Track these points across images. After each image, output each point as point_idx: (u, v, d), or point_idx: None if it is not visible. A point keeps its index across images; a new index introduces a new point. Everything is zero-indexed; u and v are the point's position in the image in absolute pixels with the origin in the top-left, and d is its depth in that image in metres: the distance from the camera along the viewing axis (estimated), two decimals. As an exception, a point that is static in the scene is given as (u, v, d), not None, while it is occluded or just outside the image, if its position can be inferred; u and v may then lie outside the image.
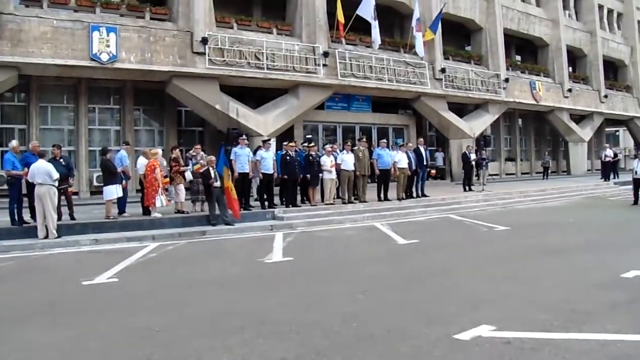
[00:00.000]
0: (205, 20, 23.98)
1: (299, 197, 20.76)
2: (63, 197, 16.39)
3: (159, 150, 19.42)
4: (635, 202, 23.24)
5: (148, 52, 22.67)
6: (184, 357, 6.11)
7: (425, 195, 23.65)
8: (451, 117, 34.14)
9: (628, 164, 44.91)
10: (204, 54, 23.79)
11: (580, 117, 45.99)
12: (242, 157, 18.87)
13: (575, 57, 46.93)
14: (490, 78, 36.19)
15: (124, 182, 17.31)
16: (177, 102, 26.06)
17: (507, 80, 36.97)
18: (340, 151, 21.57)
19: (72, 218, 16.57)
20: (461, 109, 36.63)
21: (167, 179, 18.08)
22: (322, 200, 20.74)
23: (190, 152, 19.65)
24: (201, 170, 17.54)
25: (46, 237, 14.49)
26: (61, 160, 16.68)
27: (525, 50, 44.56)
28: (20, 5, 21.17)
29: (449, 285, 9.45)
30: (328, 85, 28.10)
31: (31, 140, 21.17)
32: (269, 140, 21.26)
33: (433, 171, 27.63)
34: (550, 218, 19.93)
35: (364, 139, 22.94)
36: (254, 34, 26.11)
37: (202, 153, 19.38)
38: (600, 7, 48.79)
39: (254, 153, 19.70)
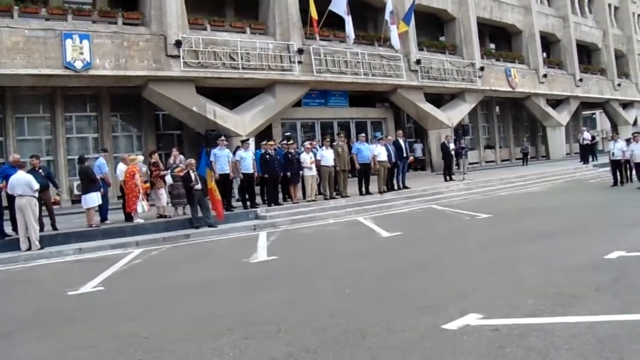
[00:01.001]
0: (178, 22, 23.87)
1: (280, 196, 20.78)
2: (44, 208, 16.31)
3: (140, 157, 19.41)
4: (615, 184, 23.47)
5: (122, 58, 22.52)
6: (173, 362, 6.11)
7: (407, 187, 23.73)
8: (428, 107, 34.21)
9: (605, 146, 45.18)
10: (179, 56, 23.67)
11: (556, 102, 46.26)
12: (221, 158, 18.88)
13: (548, 42, 47.19)
14: (466, 67, 36.28)
15: (102, 190, 17.19)
16: (154, 107, 25.97)
17: (482, 68, 37.07)
18: (320, 147, 21.60)
19: (54, 228, 16.46)
20: (438, 99, 36.71)
21: (147, 185, 18.05)
22: (304, 198, 20.81)
23: (170, 160, 19.57)
24: (181, 174, 17.52)
25: (29, 248, 14.40)
26: (40, 170, 16.54)
27: (499, 38, 44.73)
28: (-10, 16, 20.99)
29: (434, 276, 9.49)
30: (304, 82, 28.06)
31: (9, 152, 21.12)
32: (247, 140, 21.31)
33: (412, 158, 27.62)
34: (531, 203, 20.05)
35: (342, 134, 22.98)
36: (227, 34, 26.02)
37: (180, 156, 19.38)
38: (571, -8, 49.08)
39: (234, 153, 19.68)
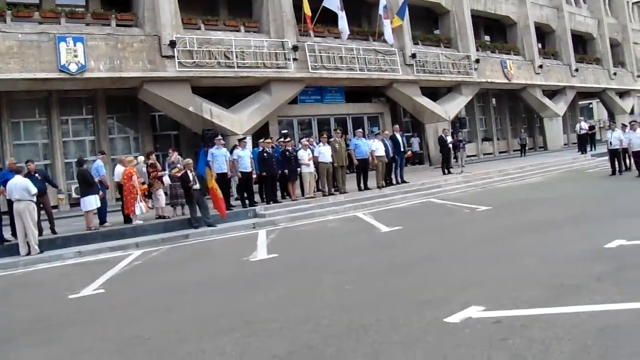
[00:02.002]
0: (172, 23, 23.81)
1: (279, 193, 20.78)
2: (43, 212, 16.32)
3: (141, 158, 19.43)
4: (613, 173, 23.45)
5: (117, 60, 22.46)
6: (176, 362, 6.10)
7: (405, 182, 23.74)
8: (425, 101, 34.15)
9: (603, 135, 45.15)
10: (173, 57, 23.61)
11: (553, 93, 46.16)
12: (219, 157, 18.88)
13: (543, 33, 47.06)
14: (461, 60, 36.22)
15: (100, 192, 17.17)
16: (150, 108, 25.91)
17: (477, 61, 36.98)
18: (317, 144, 21.59)
19: (53, 232, 16.48)
20: (434, 92, 36.62)
21: (145, 186, 18.04)
22: (303, 195, 20.79)
23: (168, 158, 19.63)
24: (179, 174, 17.50)
25: (28, 253, 14.42)
26: (37, 174, 16.55)
27: (494, 30, 44.64)
28: (-17, 21, 20.95)
29: (435, 270, 9.49)
30: (300, 79, 28.02)
31: (6, 156, 21.08)
32: (244, 138, 21.27)
33: (409, 153, 27.62)
34: (530, 195, 20.03)
35: (339, 130, 22.94)
36: (221, 33, 25.97)
37: (179, 157, 19.35)
38: (565, -19, 48.98)
39: (231, 152, 19.68)
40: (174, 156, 19.39)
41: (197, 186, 17.09)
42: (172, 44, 23.39)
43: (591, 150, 35.82)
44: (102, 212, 17.51)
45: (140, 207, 17.16)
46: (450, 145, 27.65)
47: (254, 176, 19.74)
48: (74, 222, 18.67)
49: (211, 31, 25.84)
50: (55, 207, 18.59)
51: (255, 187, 20.34)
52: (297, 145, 22.01)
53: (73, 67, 21.34)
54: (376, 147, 21.98)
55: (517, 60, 41.63)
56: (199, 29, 25.63)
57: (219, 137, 20.27)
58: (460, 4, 37.12)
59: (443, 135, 27.60)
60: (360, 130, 24.01)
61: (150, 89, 23.66)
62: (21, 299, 10.65)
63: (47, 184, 17.14)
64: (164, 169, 18.95)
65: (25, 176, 15.29)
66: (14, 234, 15.46)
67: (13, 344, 7.44)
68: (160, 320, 7.94)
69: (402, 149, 23.98)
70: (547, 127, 45.32)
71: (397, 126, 26.45)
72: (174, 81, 23.91)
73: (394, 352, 5.78)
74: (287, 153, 20.27)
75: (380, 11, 30.85)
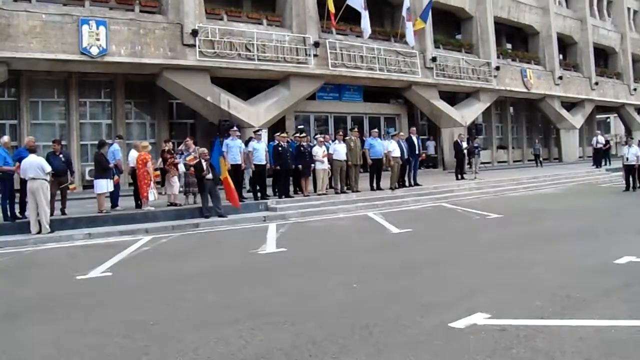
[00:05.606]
0: (195, 12, 23.92)
1: (291, 188, 20.76)
2: (58, 192, 16.41)
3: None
4: (627, 189, 23.33)
5: (138, 45, 22.58)
6: (180, 349, 6.09)
7: (418, 184, 23.68)
8: (442, 105, 34.17)
9: (619, 150, 44.92)
10: (195, 46, 23.72)
11: (571, 105, 46.05)
12: (233, 148, 18.89)
13: (565, 44, 46.95)
14: (481, 66, 36.20)
15: (115, 177, 17.24)
16: (168, 95, 26.00)
17: (497, 68, 36.96)
18: (332, 141, 21.58)
19: (63, 213, 16.52)
20: (452, 97, 36.66)
21: (157, 172, 18.13)
22: (315, 191, 20.79)
23: (181, 147, 19.72)
24: (193, 163, 17.54)
25: (39, 232, 14.46)
26: (61, 155, 16.70)
27: (516, 38, 44.56)
28: (8, -1, 21.07)
29: (443, 274, 9.46)
30: (319, 76, 28.07)
31: (23, 135, 21.21)
32: (259, 130, 21.27)
33: (423, 155, 27.59)
34: (542, 205, 19.96)
35: (356, 129, 22.91)
36: (244, 25, 26.06)
37: (193, 146, 19.37)
38: (591, -6, 48.78)
39: (246, 144, 19.70)
40: (188, 144, 19.43)
41: (210, 176, 17.13)
42: (194, 32, 23.50)
43: (605, 164, 35.63)
44: (114, 196, 17.59)
45: (153, 194, 17.25)
46: (465, 151, 27.60)
47: (267, 169, 19.76)
48: (86, 203, 18.77)
49: (234, 22, 25.96)
50: (69, 189, 18.63)
51: (268, 181, 20.35)
52: (313, 141, 22.01)
53: (94, 50, 21.48)
54: (392, 148, 21.94)
55: (537, 69, 41.61)
56: (221, 19, 25.75)
57: (235, 128, 20.30)
58: (484, 10, 37.13)
59: (459, 141, 27.56)
60: (376, 130, 23.99)
61: (170, 77, 23.78)
62: (28, 277, 10.68)
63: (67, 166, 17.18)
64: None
65: (49, 155, 15.65)
66: (22, 212, 15.57)
67: (17, 322, 7.46)
68: (165, 307, 7.96)
69: (417, 152, 23.95)
70: (564, 139, 45.23)
71: (413, 128, 26.39)
72: (194, 70, 24.03)
73: (397, 354, 5.77)
74: (302, 148, 20.25)
75: (404, 13, 30.87)
